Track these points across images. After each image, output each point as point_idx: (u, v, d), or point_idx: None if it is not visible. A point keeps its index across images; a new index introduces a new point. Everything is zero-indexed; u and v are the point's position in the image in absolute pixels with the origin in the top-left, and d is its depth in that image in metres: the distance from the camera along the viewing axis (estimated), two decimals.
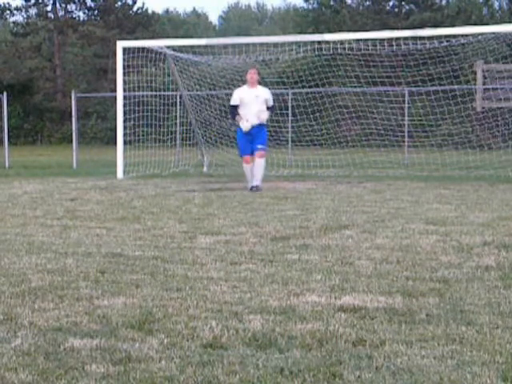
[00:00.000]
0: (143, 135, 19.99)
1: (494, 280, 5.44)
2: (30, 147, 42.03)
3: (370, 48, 18.15)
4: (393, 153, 22.72)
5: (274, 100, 14.02)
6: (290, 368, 3.55)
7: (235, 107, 13.60)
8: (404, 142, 22.73)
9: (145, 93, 20.61)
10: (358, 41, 18.54)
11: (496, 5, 51.03)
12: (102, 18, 53.64)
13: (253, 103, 13.41)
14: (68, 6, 54.22)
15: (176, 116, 21.67)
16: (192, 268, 5.98)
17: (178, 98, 20.99)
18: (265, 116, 13.47)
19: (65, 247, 7.04)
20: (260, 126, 13.49)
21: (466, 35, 17.74)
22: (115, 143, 17.88)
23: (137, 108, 19.19)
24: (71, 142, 24.03)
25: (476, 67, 21.57)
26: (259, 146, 13.48)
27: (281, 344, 3.93)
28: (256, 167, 13.42)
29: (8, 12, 54.17)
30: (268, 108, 13.62)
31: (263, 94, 13.60)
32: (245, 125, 13.38)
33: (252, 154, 13.54)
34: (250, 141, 13.48)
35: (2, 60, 50.33)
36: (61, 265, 6.14)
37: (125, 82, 17.99)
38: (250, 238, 7.54)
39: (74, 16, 54.65)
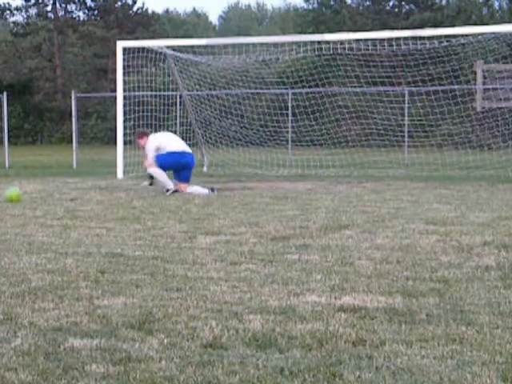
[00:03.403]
0: None
1: (493, 280, 5.44)
2: (30, 147, 42.01)
3: (370, 48, 18.15)
4: (393, 153, 22.74)
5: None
6: (290, 368, 3.55)
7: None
8: (404, 141, 22.73)
9: (145, 93, 20.61)
10: (358, 41, 18.54)
11: (496, 5, 51.08)
12: (102, 18, 53.63)
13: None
14: (68, 6, 54.24)
15: (176, 116, 21.67)
16: (192, 268, 5.98)
17: (178, 97, 20.99)
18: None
19: (65, 247, 7.04)
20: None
21: (466, 35, 17.74)
22: (115, 143, 17.89)
23: (137, 108, 19.19)
24: (71, 141, 24.04)
25: (476, 67, 21.60)
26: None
27: (281, 344, 3.93)
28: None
29: (8, 12, 54.19)
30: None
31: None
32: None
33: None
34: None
35: (2, 60, 50.35)
36: (61, 265, 6.14)
37: (125, 82, 17.98)
38: (250, 238, 7.54)
39: (74, 16, 54.67)
